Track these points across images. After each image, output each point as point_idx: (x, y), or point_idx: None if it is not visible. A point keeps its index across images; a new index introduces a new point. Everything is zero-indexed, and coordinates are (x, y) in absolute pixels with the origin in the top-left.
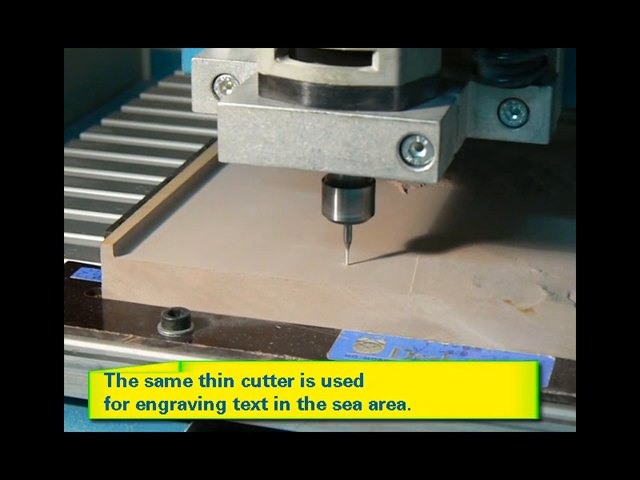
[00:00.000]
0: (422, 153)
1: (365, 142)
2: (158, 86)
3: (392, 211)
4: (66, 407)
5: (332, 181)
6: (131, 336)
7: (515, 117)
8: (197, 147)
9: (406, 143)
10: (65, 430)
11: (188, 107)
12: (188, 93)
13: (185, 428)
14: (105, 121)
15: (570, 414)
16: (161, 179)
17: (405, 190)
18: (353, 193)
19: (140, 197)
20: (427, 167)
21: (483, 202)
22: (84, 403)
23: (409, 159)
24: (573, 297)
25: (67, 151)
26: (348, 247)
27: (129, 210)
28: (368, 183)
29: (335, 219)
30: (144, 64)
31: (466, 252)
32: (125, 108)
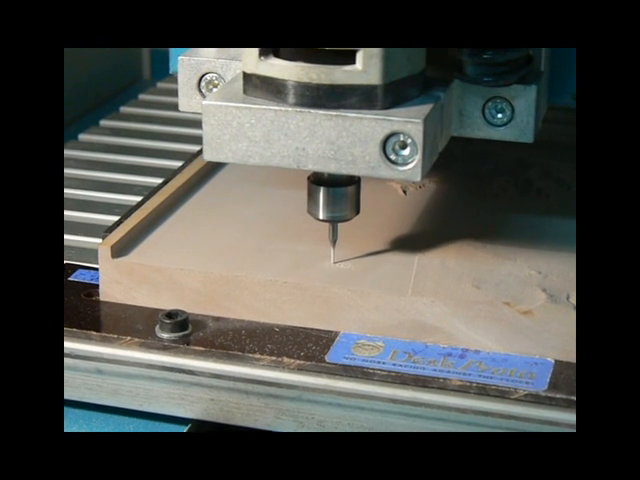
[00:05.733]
0: (406, 151)
1: (349, 140)
2: (157, 87)
3: (391, 213)
4: (64, 409)
5: (317, 180)
6: (129, 338)
7: (500, 116)
8: (195, 148)
9: (390, 141)
10: (65, 430)
11: None
12: None
13: (185, 428)
14: (104, 122)
15: (569, 417)
16: (159, 180)
17: (404, 191)
18: (338, 191)
19: (138, 198)
20: (411, 165)
21: (482, 204)
22: (81, 405)
23: (393, 157)
24: (572, 299)
25: (65, 152)
26: (334, 246)
27: (127, 212)
28: (353, 181)
29: (320, 217)
30: (144, 64)
31: (465, 254)
32: (124, 109)
